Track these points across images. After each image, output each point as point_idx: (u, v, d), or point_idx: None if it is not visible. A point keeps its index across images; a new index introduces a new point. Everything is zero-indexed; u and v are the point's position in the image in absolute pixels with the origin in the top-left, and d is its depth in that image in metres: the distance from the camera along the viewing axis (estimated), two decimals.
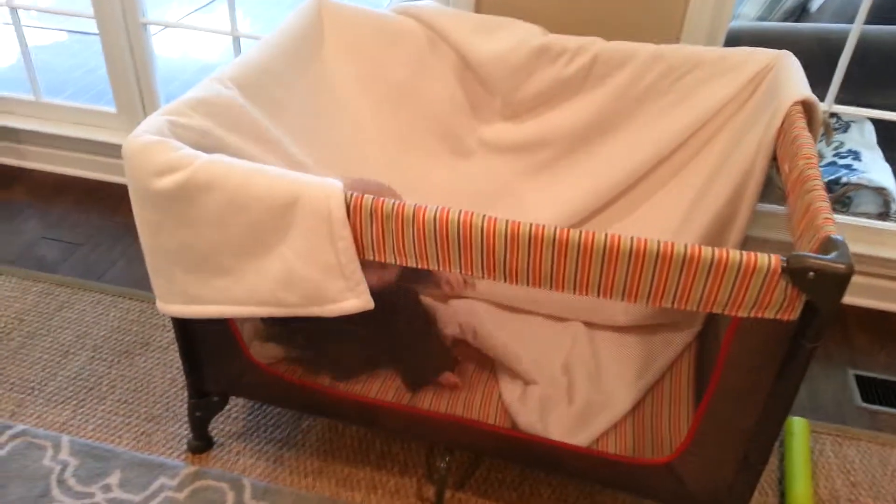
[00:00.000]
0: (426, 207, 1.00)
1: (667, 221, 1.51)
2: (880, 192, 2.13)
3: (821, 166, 2.31)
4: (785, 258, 0.90)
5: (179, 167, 1.04)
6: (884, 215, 2.10)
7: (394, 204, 1.00)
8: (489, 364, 1.41)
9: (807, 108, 1.28)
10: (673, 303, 0.95)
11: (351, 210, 1.00)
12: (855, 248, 1.83)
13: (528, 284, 1.00)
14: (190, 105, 1.17)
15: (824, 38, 2.37)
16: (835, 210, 2.12)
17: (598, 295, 0.97)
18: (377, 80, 1.61)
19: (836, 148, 2.38)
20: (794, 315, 0.92)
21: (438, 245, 1.02)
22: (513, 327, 1.48)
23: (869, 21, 1.81)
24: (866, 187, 2.14)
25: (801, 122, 1.23)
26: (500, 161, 1.66)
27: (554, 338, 1.47)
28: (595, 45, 1.51)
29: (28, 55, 2.14)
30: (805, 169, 1.07)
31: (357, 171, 1.58)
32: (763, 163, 1.26)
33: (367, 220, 1.02)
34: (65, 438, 1.45)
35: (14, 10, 2.10)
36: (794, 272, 0.89)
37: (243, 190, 1.02)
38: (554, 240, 0.94)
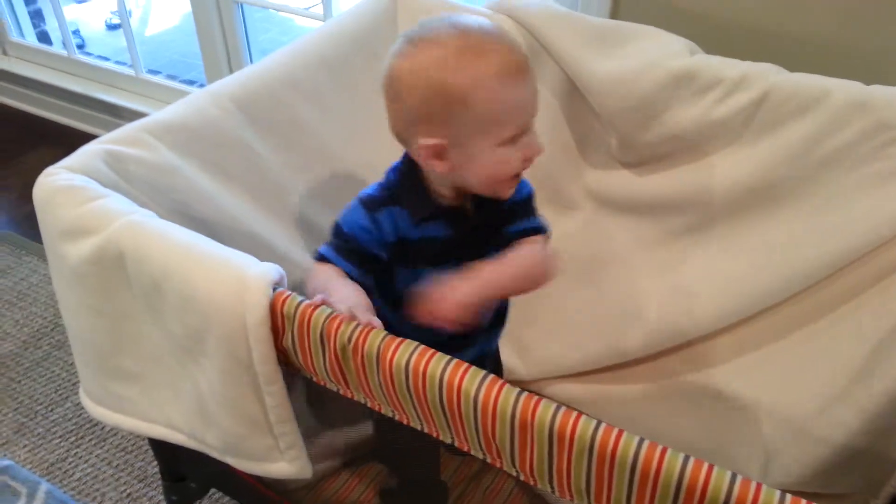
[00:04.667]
0: (397, 346, 0.63)
1: (848, 354, 1.00)
2: None
3: None
4: None
5: (90, 229, 0.74)
6: None
7: (352, 334, 0.64)
8: None
9: None
10: None
11: (292, 348, 0.66)
12: None
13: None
14: (153, 130, 0.87)
15: None
16: None
17: None
18: None
19: None
20: None
21: (415, 401, 0.65)
22: None
23: None
24: None
25: None
26: (612, 221, 1.21)
27: None
28: (767, 76, 1.01)
29: (129, 28, 1.99)
30: None
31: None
32: None
33: (317, 352, 0.67)
34: (43, 487, 1.26)
35: None
36: None
37: (161, 277, 0.71)
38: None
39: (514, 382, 1.20)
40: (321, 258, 0.79)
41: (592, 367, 1.19)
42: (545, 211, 1.25)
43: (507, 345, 1.24)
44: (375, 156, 1.17)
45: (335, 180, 1.10)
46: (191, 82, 2.14)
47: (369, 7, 1.19)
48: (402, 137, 0.80)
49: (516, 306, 1.25)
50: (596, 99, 1.12)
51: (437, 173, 0.78)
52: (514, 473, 0.65)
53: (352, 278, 0.77)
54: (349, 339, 0.65)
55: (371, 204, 0.81)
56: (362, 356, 0.65)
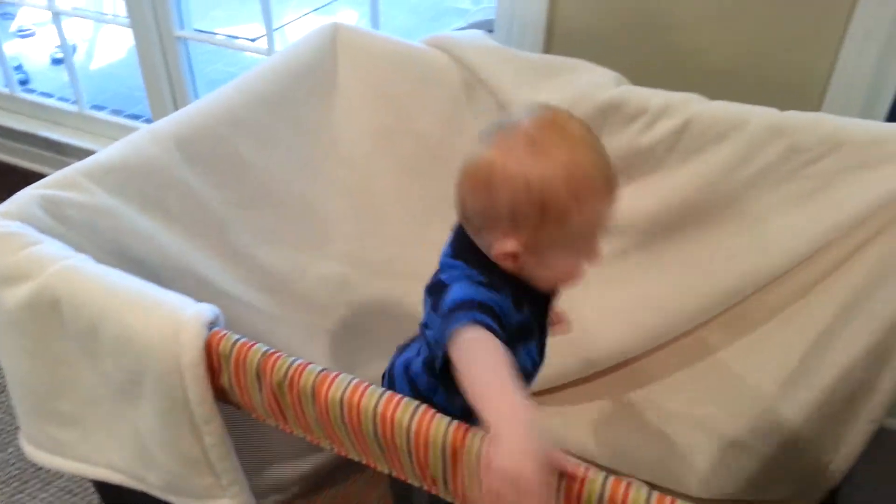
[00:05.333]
0: (333, 378, 0.65)
1: (775, 367, 1.04)
2: None
3: None
4: None
5: (25, 275, 0.75)
6: None
7: (287, 370, 0.66)
8: None
9: None
10: None
11: (230, 386, 0.67)
12: None
13: None
14: (90, 172, 0.88)
15: None
16: None
17: None
18: (401, 132, 1.25)
19: None
20: None
21: (351, 434, 0.67)
22: None
23: None
24: None
25: None
26: None
27: None
28: (689, 105, 1.07)
29: (71, 65, 1.98)
30: None
31: (363, 253, 1.24)
32: None
33: (254, 389, 0.68)
34: None
35: (57, 16, 1.94)
36: None
37: (97, 321, 0.72)
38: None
39: None
40: (480, 322, 0.67)
41: (537, 388, 1.22)
42: None
43: None
44: (318, 190, 1.20)
45: (277, 215, 1.11)
46: (136, 116, 2.13)
47: (309, 43, 1.21)
48: (473, 225, 0.76)
49: None
50: None
51: (501, 265, 0.75)
52: (450, 499, 0.67)
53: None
54: (285, 375, 0.66)
55: (491, 285, 0.74)
56: (298, 391, 0.66)
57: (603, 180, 0.72)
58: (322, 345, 1.17)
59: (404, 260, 1.27)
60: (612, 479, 0.59)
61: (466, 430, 0.62)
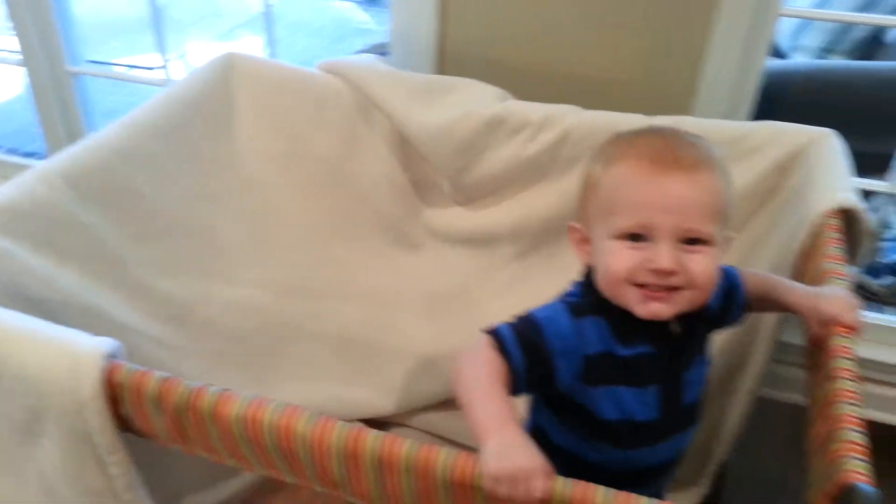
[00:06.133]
0: (231, 399, 0.68)
1: None
2: None
3: (888, 240, 1.88)
4: None
5: None
6: None
7: (186, 395, 0.68)
8: None
9: (848, 217, 0.90)
10: None
11: (131, 415, 0.69)
12: None
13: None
14: None
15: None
16: None
17: None
18: (300, 157, 1.28)
19: None
20: None
21: (254, 450, 0.70)
22: None
23: None
24: None
25: (835, 247, 0.85)
26: (454, 255, 1.31)
27: None
28: (567, 117, 1.15)
29: None
30: (835, 351, 0.70)
31: (270, 276, 1.26)
32: None
33: (155, 416, 0.71)
34: None
35: None
36: None
37: None
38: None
39: (380, 418, 1.27)
40: (494, 335, 0.71)
41: (447, 396, 1.27)
42: (392, 253, 1.35)
43: (368, 385, 1.31)
44: (220, 217, 1.22)
45: (179, 246, 1.12)
46: (32, 154, 2.08)
47: (203, 73, 1.23)
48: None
49: (374, 353, 1.32)
50: (424, 147, 1.22)
51: (584, 265, 0.76)
52: (355, 502, 0.71)
53: (514, 372, 0.69)
54: (183, 399, 0.68)
55: (578, 308, 0.73)
56: (198, 414, 0.69)
57: (645, 148, 0.69)
58: (232, 371, 1.18)
59: (312, 281, 1.31)
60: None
61: (360, 433, 0.66)
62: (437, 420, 1.29)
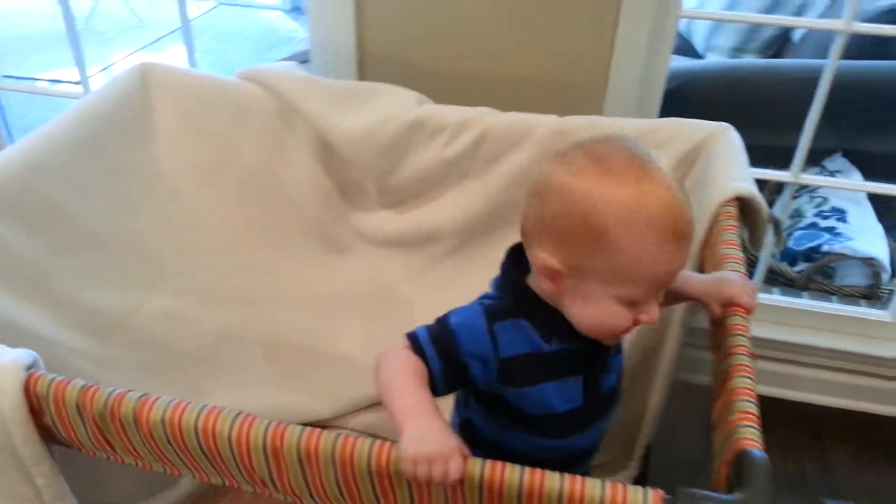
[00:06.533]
0: (152, 403, 0.69)
1: None
2: (868, 262, 1.79)
3: (800, 228, 1.99)
4: (670, 496, 0.59)
5: None
6: (873, 288, 1.76)
7: (106, 401, 0.69)
8: None
9: (746, 205, 0.96)
10: None
11: (53, 425, 0.70)
12: (836, 342, 1.49)
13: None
14: None
15: (804, 76, 2.03)
16: (817, 283, 1.79)
17: None
18: (224, 165, 1.29)
19: (819, 206, 2.03)
20: None
21: (179, 452, 0.71)
22: None
23: (859, 55, 1.49)
24: (851, 257, 1.80)
25: (731, 233, 0.91)
26: (382, 258, 1.34)
27: None
28: (483, 119, 1.19)
29: None
30: (731, 330, 0.77)
31: (199, 285, 1.26)
32: None
33: (78, 424, 0.71)
34: None
35: None
36: None
37: None
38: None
39: (317, 422, 1.28)
40: (412, 338, 0.73)
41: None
42: (322, 258, 1.37)
43: (304, 390, 1.32)
44: (144, 228, 1.21)
45: (102, 257, 1.12)
46: None
47: (117, 84, 1.23)
48: (527, 236, 0.74)
49: (308, 357, 1.33)
50: (347, 152, 1.24)
51: (543, 290, 0.74)
52: (282, 498, 0.73)
53: (431, 373, 0.71)
54: (105, 406, 0.69)
55: (495, 312, 0.74)
56: (120, 420, 0.69)
57: (667, 223, 0.67)
58: (165, 381, 1.18)
59: (242, 288, 1.31)
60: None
61: (284, 429, 0.68)
62: (375, 421, 1.31)
